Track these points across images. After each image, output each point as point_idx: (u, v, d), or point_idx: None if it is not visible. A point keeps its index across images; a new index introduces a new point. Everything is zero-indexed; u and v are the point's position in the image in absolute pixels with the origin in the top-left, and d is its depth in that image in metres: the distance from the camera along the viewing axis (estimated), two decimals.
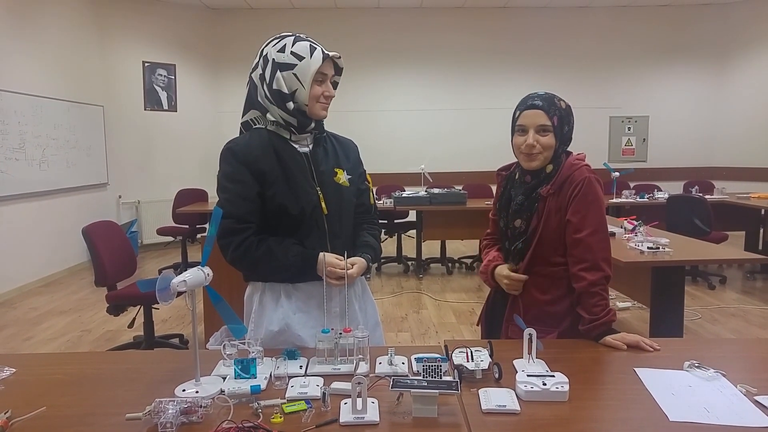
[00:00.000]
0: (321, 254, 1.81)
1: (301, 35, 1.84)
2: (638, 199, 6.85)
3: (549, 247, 1.91)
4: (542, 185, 1.92)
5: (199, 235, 7.14)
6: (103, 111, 8.05)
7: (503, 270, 2.00)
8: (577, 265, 1.85)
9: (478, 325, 2.25)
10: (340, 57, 1.86)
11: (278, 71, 1.79)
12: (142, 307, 4.04)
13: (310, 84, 1.78)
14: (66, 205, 7.19)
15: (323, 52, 1.80)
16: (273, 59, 1.80)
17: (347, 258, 1.81)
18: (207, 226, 7.19)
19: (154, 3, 8.56)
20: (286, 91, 1.79)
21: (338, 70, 1.89)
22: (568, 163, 1.91)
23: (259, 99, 1.85)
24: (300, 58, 1.78)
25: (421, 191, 6.94)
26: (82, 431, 1.30)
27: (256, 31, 9.08)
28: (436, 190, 6.83)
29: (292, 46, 1.79)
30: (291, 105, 1.80)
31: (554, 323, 1.92)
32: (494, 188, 8.33)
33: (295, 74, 1.78)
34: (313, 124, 1.87)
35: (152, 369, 1.65)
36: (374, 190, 2.12)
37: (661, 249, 3.46)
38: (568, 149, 1.99)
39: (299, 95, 1.80)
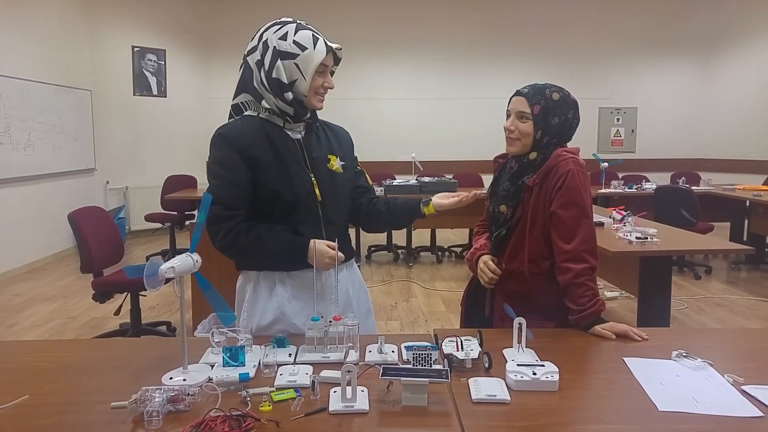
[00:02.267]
0: (312, 241, 1.78)
1: (302, 23, 1.79)
2: (626, 190, 6.88)
3: (533, 237, 1.91)
4: (527, 173, 1.94)
5: (187, 222, 7.09)
6: (90, 95, 7.94)
7: (485, 260, 2.02)
8: (561, 256, 1.86)
9: (461, 305, 2.26)
10: (341, 48, 1.83)
11: (279, 59, 1.73)
12: (128, 294, 4.00)
13: (312, 76, 1.75)
14: (52, 190, 7.10)
15: (326, 43, 1.76)
16: (274, 46, 1.74)
17: (331, 245, 1.79)
18: (196, 212, 7.15)
19: None
20: (285, 80, 1.74)
21: (337, 61, 1.86)
22: (554, 154, 1.90)
23: (254, 84, 1.79)
24: (303, 48, 1.73)
25: (412, 180, 6.93)
26: (66, 420, 1.28)
27: (247, 16, 8.94)
28: (426, 179, 6.82)
29: (295, 34, 1.74)
30: (290, 95, 1.76)
31: (540, 315, 1.91)
32: (484, 177, 8.40)
33: (296, 64, 1.73)
34: (308, 114, 1.85)
35: (139, 357, 1.63)
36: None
37: (649, 239, 3.48)
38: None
39: (299, 86, 1.76)
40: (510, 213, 1.96)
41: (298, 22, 1.79)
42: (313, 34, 1.76)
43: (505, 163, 2.09)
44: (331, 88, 1.83)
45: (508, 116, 1.96)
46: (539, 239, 1.91)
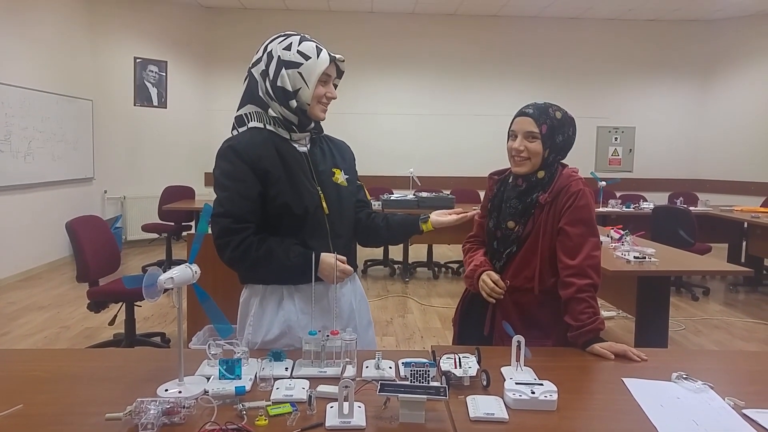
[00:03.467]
0: (323, 255, 1.78)
1: (306, 36, 1.82)
2: (624, 209, 6.90)
3: (542, 254, 1.93)
4: (536, 191, 1.96)
5: (184, 233, 7.08)
6: (92, 105, 7.96)
7: (490, 273, 2.00)
8: (565, 271, 1.88)
9: (453, 324, 2.26)
10: (343, 60, 1.86)
11: (283, 68, 1.77)
12: (123, 305, 3.98)
13: (315, 84, 1.77)
14: (50, 198, 7.09)
15: (329, 54, 1.80)
16: (278, 56, 1.77)
17: (341, 258, 1.80)
18: (193, 223, 7.15)
19: None
20: (290, 88, 1.77)
21: (339, 74, 1.89)
22: (565, 174, 1.96)
23: (260, 94, 1.81)
24: (306, 57, 1.76)
25: (410, 195, 6.94)
26: (60, 430, 1.26)
27: (248, 31, 9.04)
28: (424, 194, 6.83)
29: (299, 45, 1.78)
30: (294, 103, 1.79)
31: (540, 333, 1.92)
32: (482, 193, 8.43)
33: (300, 73, 1.76)
34: (312, 124, 1.86)
35: (134, 368, 1.61)
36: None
37: (647, 259, 3.47)
38: (564, 161, 2.04)
39: (302, 94, 1.78)
40: (521, 229, 1.97)
41: (302, 35, 1.82)
42: (316, 45, 1.80)
43: (503, 180, 2.10)
44: (334, 98, 1.86)
45: (513, 137, 1.97)
46: (547, 256, 1.93)
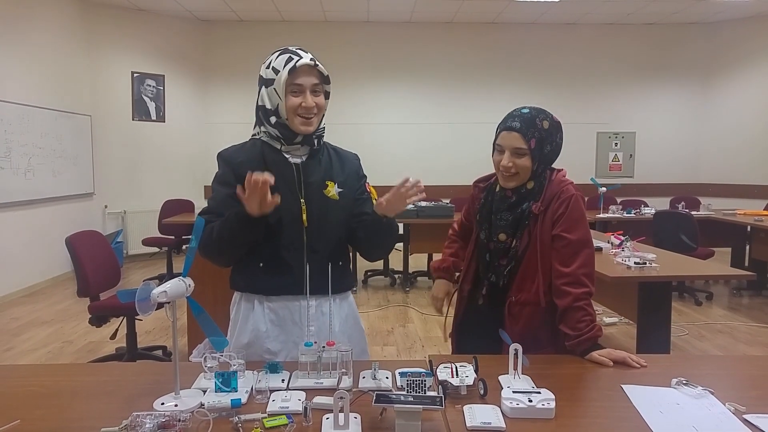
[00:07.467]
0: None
1: (291, 47, 1.81)
2: (625, 215, 6.88)
3: (545, 266, 1.90)
4: (527, 201, 1.93)
5: (184, 246, 7.08)
6: (90, 120, 8.01)
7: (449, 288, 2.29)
8: (560, 280, 1.85)
9: (449, 337, 2.29)
10: (315, 64, 1.77)
11: (263, 87, 1.80)
12: (124, 319, 3.98)
13: (285, 97, 1.76)
14: (51, 214, 7.11)
15: (294, 62, 1.74)
16: (261, 76, 1.81)
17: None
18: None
19: (144, 13, 8.54)
20: (269, 106, 1.80)
21: (324, 79, 1.81)
22: (556, 180, 1.93)
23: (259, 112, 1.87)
24: (276, 71, 1.76)
25: (409, 204, 6.92)
26: None
27: (245, 43, 9.07)
28: (423, 204, 6.81)
29: (275, 60, 1.78)
30: (273, 119, 1.80)
31: (540, 345, 1.89)
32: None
33: (275, 89, 1.77)
34: (300, 137, 1.83)
35: (132, 381, 1.61)
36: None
37: (648, 264, 3.46)
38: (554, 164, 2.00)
39: (281, 109, 1.78)
40: (516, 243, 1.94)
41: (288, 47, 1.81)
42: (289, 56, 1.76)
43: (490, 189, 2.08)
44: (310, 107, 1.76)
45: (500, 151, 1.91)
46: (549, 267, 1.89)
